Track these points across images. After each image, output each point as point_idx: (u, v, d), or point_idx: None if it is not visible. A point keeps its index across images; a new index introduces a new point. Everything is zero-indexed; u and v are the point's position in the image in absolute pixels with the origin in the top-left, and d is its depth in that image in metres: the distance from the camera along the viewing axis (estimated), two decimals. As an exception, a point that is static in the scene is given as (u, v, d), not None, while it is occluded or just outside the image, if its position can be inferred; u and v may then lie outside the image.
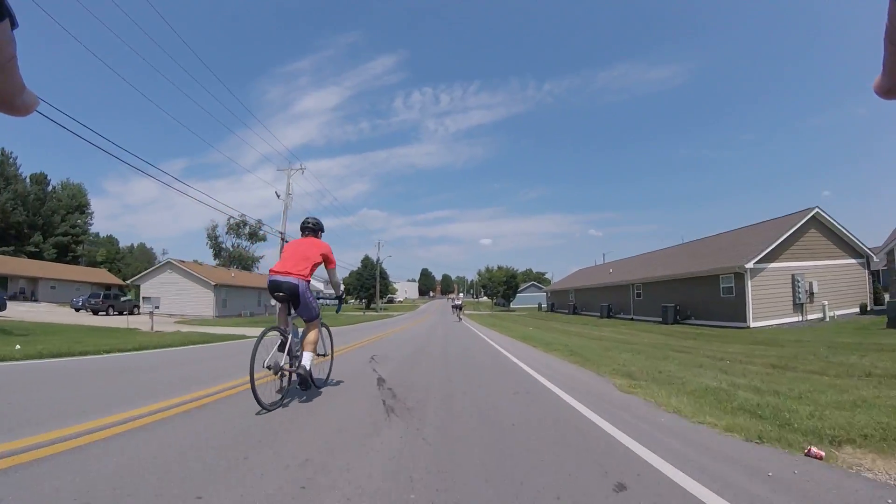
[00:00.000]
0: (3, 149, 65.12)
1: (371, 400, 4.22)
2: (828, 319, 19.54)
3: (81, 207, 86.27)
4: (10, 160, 65.98)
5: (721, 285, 20.71)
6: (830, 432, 3.08)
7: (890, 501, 2.08)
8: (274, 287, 3.89)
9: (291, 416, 3.50)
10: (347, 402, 4.12)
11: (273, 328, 3.83)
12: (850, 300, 20.89)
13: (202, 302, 33.60)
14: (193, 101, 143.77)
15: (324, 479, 2.22)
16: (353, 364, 7.47)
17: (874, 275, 23.53)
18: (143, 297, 35.27)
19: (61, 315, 26.08)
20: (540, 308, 57.95)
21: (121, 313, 30.83)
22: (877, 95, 0.65)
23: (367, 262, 70.72)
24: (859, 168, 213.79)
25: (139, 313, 34.86)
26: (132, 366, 6.46)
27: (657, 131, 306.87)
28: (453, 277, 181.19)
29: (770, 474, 2.43)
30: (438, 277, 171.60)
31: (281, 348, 3.79)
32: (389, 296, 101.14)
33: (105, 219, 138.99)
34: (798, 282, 19.62)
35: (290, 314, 4.02)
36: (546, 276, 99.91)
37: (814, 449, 2.75)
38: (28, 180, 71.80)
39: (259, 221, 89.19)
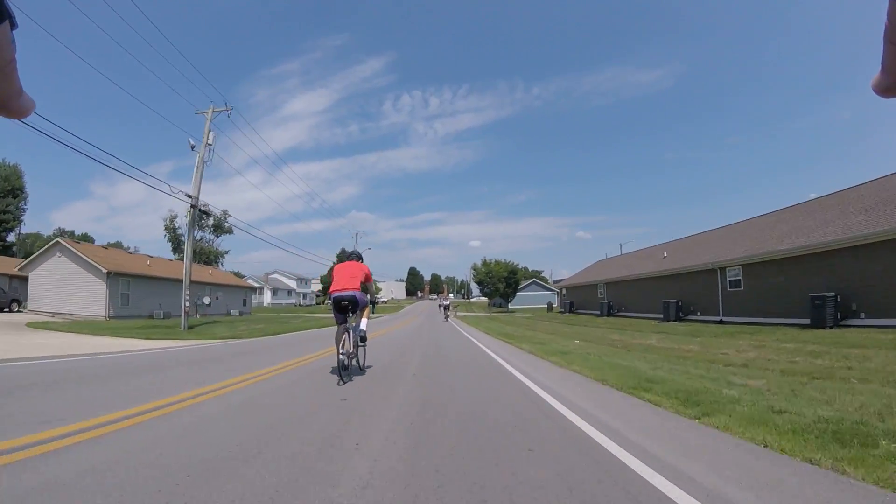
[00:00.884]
0: None
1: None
2: None
3: (15, 191, 74.15)
4: None
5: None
6: None
7: None
8: (338, 300, 5.75)
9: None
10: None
11: (342, 330, 5.67)
12: None
13: (92, 297, 23.38)
14: (184, 99, 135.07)
15: None
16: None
17: None
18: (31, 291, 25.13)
19: None
20: (550, 308, 48.60)
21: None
22: (875, 94, 0.64)
23: (343, 256, 60.64)
24: (844, 168, 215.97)
25: (19, 310, 24.73)
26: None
27: (645, 134, 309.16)
28: (443, 278, 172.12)
29: None
30: (427, 277, 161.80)
31: (348, 340, 5.79)
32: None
33: (90, 220, 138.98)
34: None
35: (347, 318, 5.82)
36: (542, 274, 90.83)
37: None
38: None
39: (225, 212, 78.34)
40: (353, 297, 5.68)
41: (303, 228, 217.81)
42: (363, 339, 6.28)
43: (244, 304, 38.83)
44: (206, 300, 29.58)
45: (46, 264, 25.88)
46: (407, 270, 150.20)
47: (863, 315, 13.57)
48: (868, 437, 2.98)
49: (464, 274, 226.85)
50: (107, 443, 2.92)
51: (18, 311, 25.00)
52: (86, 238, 77.40)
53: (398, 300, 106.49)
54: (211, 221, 73.65)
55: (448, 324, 25.54)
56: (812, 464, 2.63)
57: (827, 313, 13.72)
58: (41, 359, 7.63)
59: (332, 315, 6.08)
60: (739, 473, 2.49)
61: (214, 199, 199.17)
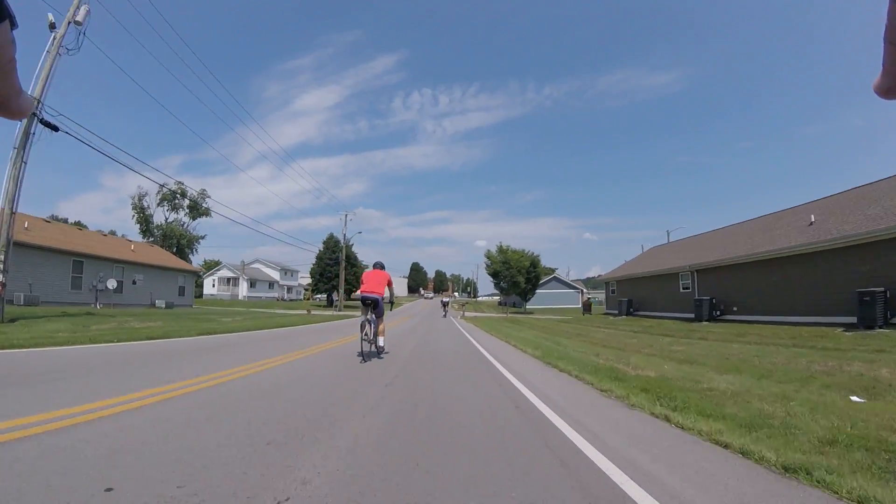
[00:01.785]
0: None
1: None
2: None
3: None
4: None
5: None
6: None
7: None
8: (366, 298, 7.36)
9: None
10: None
11: (365, 319, 7.40)
12: None
13: None
14: (192, 93, 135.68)
15: None
16: None
17: None
18: None
19: None
20: (587, 309, 38.36)
21: None
22: (877, 95, 0.64)
23: (331, 242, 51.50)
24: (855, 173, 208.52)
25: None
26: None
27: (655, 136, 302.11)
28: (448, 275, 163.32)
29: None
30: (431, 275, 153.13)
31: (370, 328, 7.45)
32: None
33: (99, 212, 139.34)
34: None
35: (370, 314, 7.48)
36: (557, 271, 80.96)
37: None
38: None
39: (203, 191, 69.58)
40: (377, 298, 7.42)
41: (311, 224, 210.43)
42: (380, 350, 7.99)
43: (181, 294, 30.38)
44: (112, 283, 21.11)
45: None
46: (409, 266, 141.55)
47: None
48: None
49: (469, 272, 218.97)
50: None
51: None
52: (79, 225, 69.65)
53: (399, 297, 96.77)
54: (186, 202, 65.54)
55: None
56: None
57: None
58: None
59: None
60: None
61: (221, 193, 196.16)
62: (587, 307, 37.02)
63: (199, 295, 64.13)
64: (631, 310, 27.46)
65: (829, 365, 7.10)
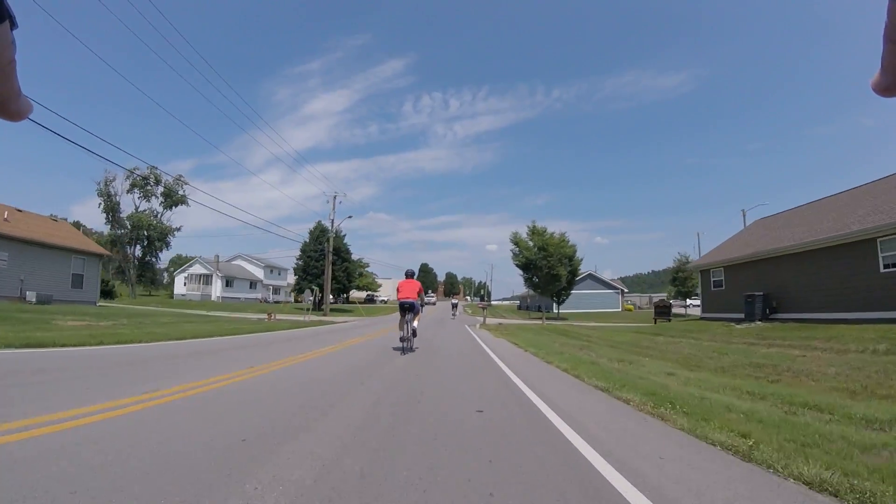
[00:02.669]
0: None
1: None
2: None
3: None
4: None
5: None
6: None
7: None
8: (404, 304, 8.71)
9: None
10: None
11: (404, 321, 8.81)
12: None
13: None
14: (203, 96, 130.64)
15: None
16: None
17: None
18: None
19: None
20: (665, 313, 25.99)
21: None
22: (875, 93, 0.63)
23: (317, 232, 41.89)
24: (864, 175, 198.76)
25: None
26: None
27: (665, 138, 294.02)
28: (459, 278, 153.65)
29: None
30: (441, 278, 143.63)
31: (408, 326, 8.83)
32: (369, 292, 72.06)
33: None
34: None
35: (408, 315, 8.84)
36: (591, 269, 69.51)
37: None
38: None
39: (179, 176, 60.94)
40: (413, 303, 8.79)
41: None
42: (414, 332, 9.14)
43: (77, 286, 21.58)
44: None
45: None
46: (418, 268, 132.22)
47: None
48: None
49: (483, 274, 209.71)
50: None
51: None
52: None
53: (393, 300, 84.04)
54: (161, 189, 57.27)
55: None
56: None
57: None
58: None
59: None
60: None
61: (234, 197, 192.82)
62: (663, 311, 26.68)
63: (171, 295, 55.74)
64: (767, 311, 17.47)
65: None
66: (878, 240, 13.55)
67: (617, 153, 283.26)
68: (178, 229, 58.88)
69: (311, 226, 44.23)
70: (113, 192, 55.31)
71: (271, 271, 62.51)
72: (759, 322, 17.04)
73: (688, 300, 45.49)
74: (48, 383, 4.24)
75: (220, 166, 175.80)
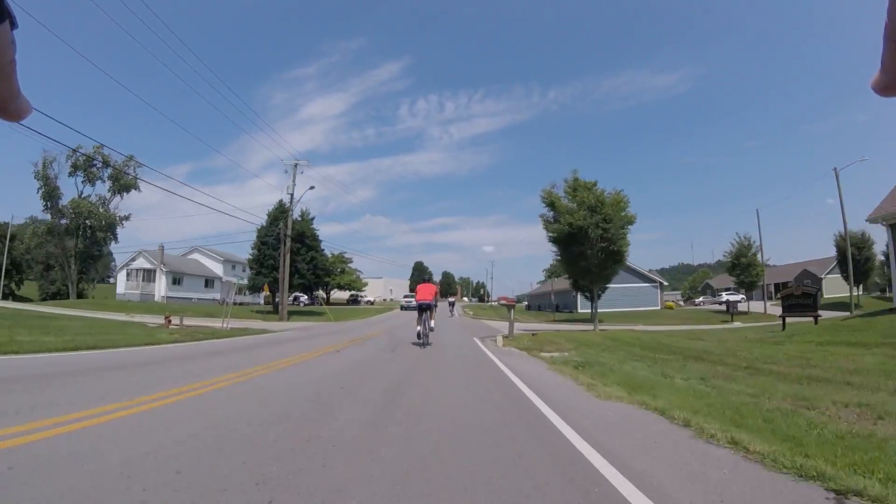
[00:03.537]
0: None
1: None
2: None
3: None
4: None
5: None
6: None
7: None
8: (423, 305, 10.82)
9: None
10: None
11: (421, 319, 10.83)
12: None
13: None
14: (203, 98, 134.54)
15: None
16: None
17: None
18: None
19: None
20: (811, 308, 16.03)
21: None
22: (874, 92, 0.63)
23: (278, 212, 33.14)
24: (860, 174, 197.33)
25: None
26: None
27: (662, 138, 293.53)
28: (457, 278, 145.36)
29: None
30: (438, 277, 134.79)
31: (425, 325, 10.84)
32: (353, 291, 63.22)
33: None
34: None
35: (425, 314, 10.88)
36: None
37: None
38: None
39: (130, 157, 51.67)
40: (430, 304, 10.76)
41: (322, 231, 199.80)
42: (431, 329, 11.05)
43: None
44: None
45: None
46: (412, 267, 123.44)
47: None
48: None
49: (478, 276, 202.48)
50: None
51: None
52: None
53: (380, 302, 72.13)
54: (108, 173, 48.20)
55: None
56: None
57: None
58: None
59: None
60: None
61: (231, 201, 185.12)
62: (801, 305, 16.47)
63: (112, 294, 46.79)
64: None
65: None
66: None
67: (614, 153, 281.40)
68: (127, 218, 49.82)
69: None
70: (52, 175, 46.26)
71: (233, 267, 51.59)
72: None
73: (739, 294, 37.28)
74: None
75: (216, 170, 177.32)
